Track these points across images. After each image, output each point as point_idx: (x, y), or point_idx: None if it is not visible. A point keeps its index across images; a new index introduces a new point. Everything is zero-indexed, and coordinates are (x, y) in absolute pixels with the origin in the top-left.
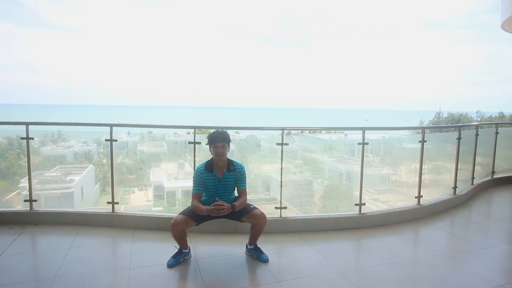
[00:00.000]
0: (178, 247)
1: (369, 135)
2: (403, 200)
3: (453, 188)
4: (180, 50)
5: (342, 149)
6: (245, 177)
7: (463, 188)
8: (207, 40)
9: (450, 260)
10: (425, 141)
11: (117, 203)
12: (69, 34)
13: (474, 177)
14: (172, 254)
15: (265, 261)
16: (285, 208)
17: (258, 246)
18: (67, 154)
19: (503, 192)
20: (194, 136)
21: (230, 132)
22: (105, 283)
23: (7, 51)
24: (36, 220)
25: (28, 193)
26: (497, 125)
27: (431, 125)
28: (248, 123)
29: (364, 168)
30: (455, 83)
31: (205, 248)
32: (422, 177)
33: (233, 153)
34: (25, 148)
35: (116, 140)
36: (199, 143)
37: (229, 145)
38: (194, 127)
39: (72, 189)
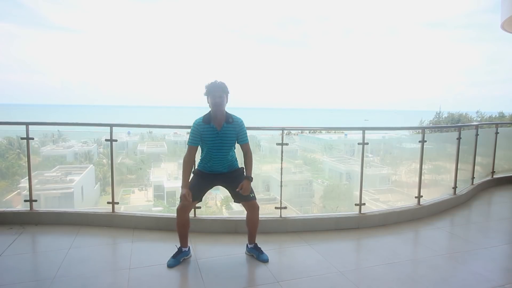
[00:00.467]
0: (178, 246)
1: (369, 135)
2: (403, 200)
3: (453, 188)
4: (180, 50)
5: (342, 149)
6: (246, 130)
7: (463, 188)
8: (208, 40)
9: (450, 260)
10: (425, 141)
11: (117, 203)
12: (69, 34)
13: (474, 177)
14: (172, 254)
15: (265, 261)
16: (285, 208)
17: (258, 246)
18: (67, 154)
19: (503, 192)
20: None
21: None
22: (105, 283)
23: (7, 51)
24: (36, 220)
25: (28, 193)
26: (497, 125)
27: (431, 125)
28: (248, 123)
29: (364, 168)
30: (455, 83)
31: (205, 248)
32: (422, 177)
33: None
34: (25, 148)
35: (116, 140)
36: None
37: (227, 97)
38: None
39: (72, 189)
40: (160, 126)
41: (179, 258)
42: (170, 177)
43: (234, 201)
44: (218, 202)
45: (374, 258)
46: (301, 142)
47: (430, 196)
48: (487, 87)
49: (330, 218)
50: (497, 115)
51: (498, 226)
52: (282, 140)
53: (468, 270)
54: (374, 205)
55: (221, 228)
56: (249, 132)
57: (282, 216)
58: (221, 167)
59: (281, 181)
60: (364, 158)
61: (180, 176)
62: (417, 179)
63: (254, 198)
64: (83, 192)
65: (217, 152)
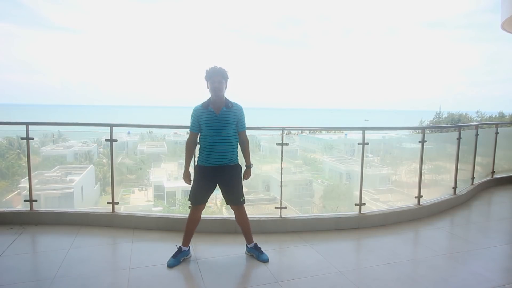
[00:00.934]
0: (178, 246)
1: (369, 135)
2: (403, 200)
3: (453, 188)
4: (180, 50)
5: (342, 149)
6: (244, 117)
7: (463, 188)
8: (208, 40)
9: (450, 260)
10: (425, 141)
11: (117, 203)
12: (69, 34)
13: (474, 177)
14: (172, 254)
15: (265, 261)
16: (285, 208)
17: (258, 246)
18: (67, 154)
19: (503, 192)
20: None
21: None
22: (105, 283)
23: (7, 51)
24: (36, 220)
25: (28, 193)
26: (497, 125)
27: (431, 125)
28: (248, 123)
29: (364, 168)
30: (455, 83)
31: (205, 248)
32: (422, 177)
33: None
34: (25, 148)
35: (116, 140)
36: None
37: (226, 82)
38: None
39: (72, 189)
40: (160, 126)
41: (179, 258)
42: (170, 177)
43: (226, 203)
44: (218, 202)
45: (374, 258)
46: (301, 142)
47: (430, 196)
48: (487, 87)
49: (330, 218)
50: (497, 115)
51: (498, 226)
52: (282, 140)
53: (468, 270)
54: (374, 205)
55: (221, 228)
56: (249, 132)
57: (282, 216)
58: (221, 158)
59: (281, 181)
60: (364, 158)
61: (180, 176)
62: (417, 179)
63: (243, 202)
64: (83, 192)
65: (216, 135)
